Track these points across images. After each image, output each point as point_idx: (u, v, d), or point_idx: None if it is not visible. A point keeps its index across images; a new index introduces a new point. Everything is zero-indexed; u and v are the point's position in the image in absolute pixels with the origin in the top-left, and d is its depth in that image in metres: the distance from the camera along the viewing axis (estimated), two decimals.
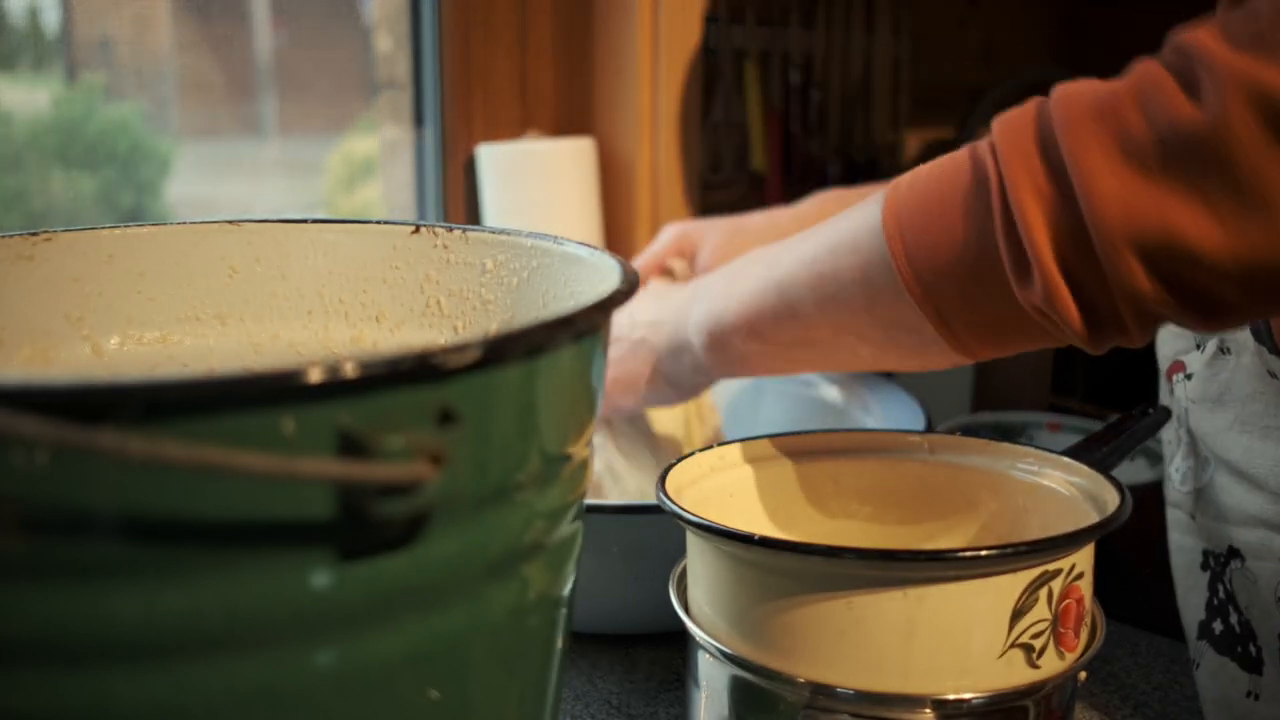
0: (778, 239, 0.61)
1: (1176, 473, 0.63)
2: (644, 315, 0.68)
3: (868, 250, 0.50)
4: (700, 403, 0.82)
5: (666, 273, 0.87)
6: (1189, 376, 0.61)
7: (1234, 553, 0.59)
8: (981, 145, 0.47)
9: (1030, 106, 0.46)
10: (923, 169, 0.50)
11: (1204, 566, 0.61)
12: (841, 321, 0.53)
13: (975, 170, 0.46)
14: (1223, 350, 0.58)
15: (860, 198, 0.59)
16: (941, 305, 0.48)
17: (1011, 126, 0.45)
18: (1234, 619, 0.59)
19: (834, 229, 0.54)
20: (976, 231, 0.46)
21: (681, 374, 0.66)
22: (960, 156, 0.48)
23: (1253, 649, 0.58)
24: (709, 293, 0.62)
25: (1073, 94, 0.44)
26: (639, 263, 0.87)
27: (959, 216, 0.47)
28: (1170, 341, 0.63)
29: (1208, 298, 0.42)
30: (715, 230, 0.87)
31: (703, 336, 0.62)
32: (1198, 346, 0.60)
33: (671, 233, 0.88)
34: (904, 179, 0.51)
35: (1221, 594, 0.60)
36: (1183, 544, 0.63)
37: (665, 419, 0.80)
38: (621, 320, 0.68)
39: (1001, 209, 0.45)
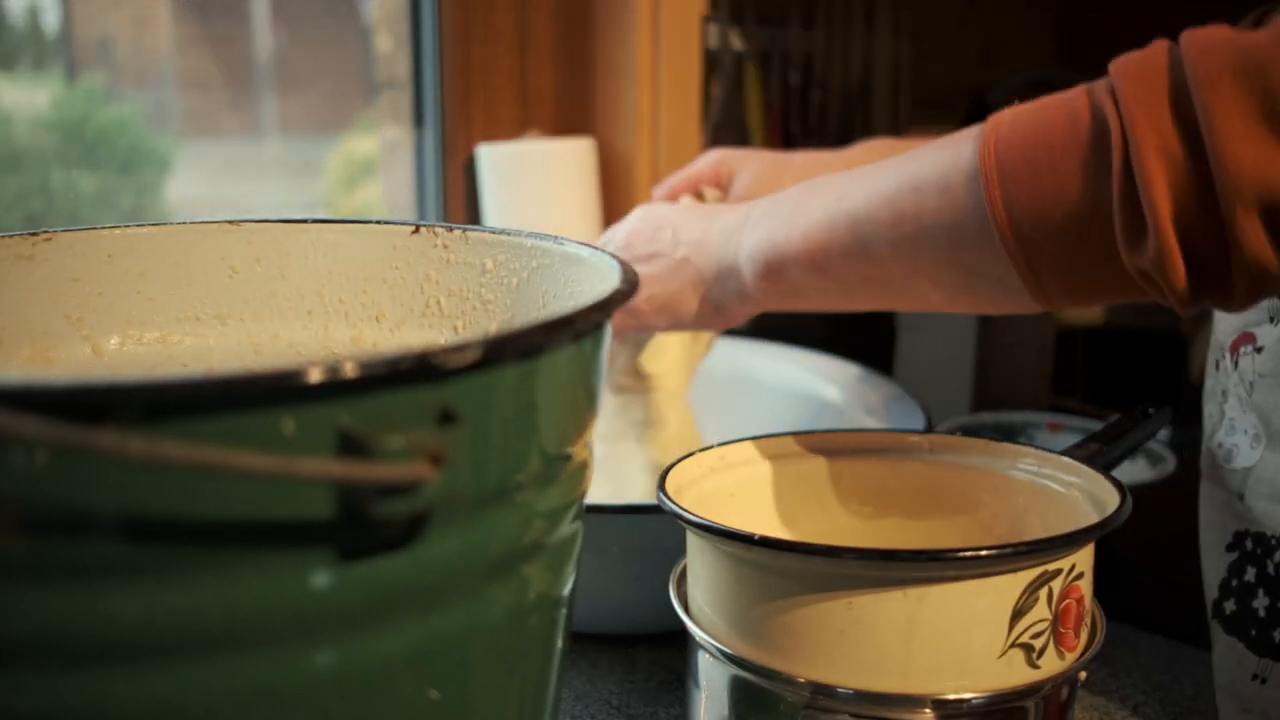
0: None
1: (1220, 449, 0.62)
2: (688, 234, 0.63)
3: (958, 192, 0.48)
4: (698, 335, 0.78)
5: (698, 197, 0.82)
6: (1259, 349, 0.59)
7: None
8: (1100, 91, 0.44)
9: (1159, 53, 0.43)
10: (1026, 109, 0.47)
11: (1230, 548, 0.60)
12: (918, 264, 0.50)
13: (1094, 121, 0.44)
14: None
15: (908, 148, 0.55)
16: (1035, 259, 0.46)
17: (1138, 75, 0.43)
18: (1260, 603, 0.58)
19: (918, 165, 0.50)
20: (1090, 188, 0.44)
21: (726, 299, 0.62)
22: (1074, 101, 0.45)
23: (1277, 635, 0.57)
24: (767, 218, 0.58)
25: (1209, 44, 0.41)
26: (674, 180, 0.82)
27: (1071, 169, 0.44)
28: (1237, 314, 0.61)
29: None
30: (757, 161, 0.81)
31: (757, 264, 0.58)
32: (1271, 319, 0.59)
33: (710, 158, 0.82)
34: (1004, 117, 0.47)
35: (1250, 576, 0.59)
36: (1214, 521, 0.62)
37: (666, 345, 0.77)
38: (664, 236, 0.64)
39: (1122, 168, 0.42)
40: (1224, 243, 0.42)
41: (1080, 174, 0.44)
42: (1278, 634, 0.57)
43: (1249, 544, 0.60)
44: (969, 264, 0.48)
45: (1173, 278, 0.43)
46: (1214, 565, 0.61)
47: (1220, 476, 0.62)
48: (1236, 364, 0.61)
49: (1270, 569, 0.58)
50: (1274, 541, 0.58)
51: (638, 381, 0.75)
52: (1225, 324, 0.62)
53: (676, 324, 0.65)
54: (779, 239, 0.56)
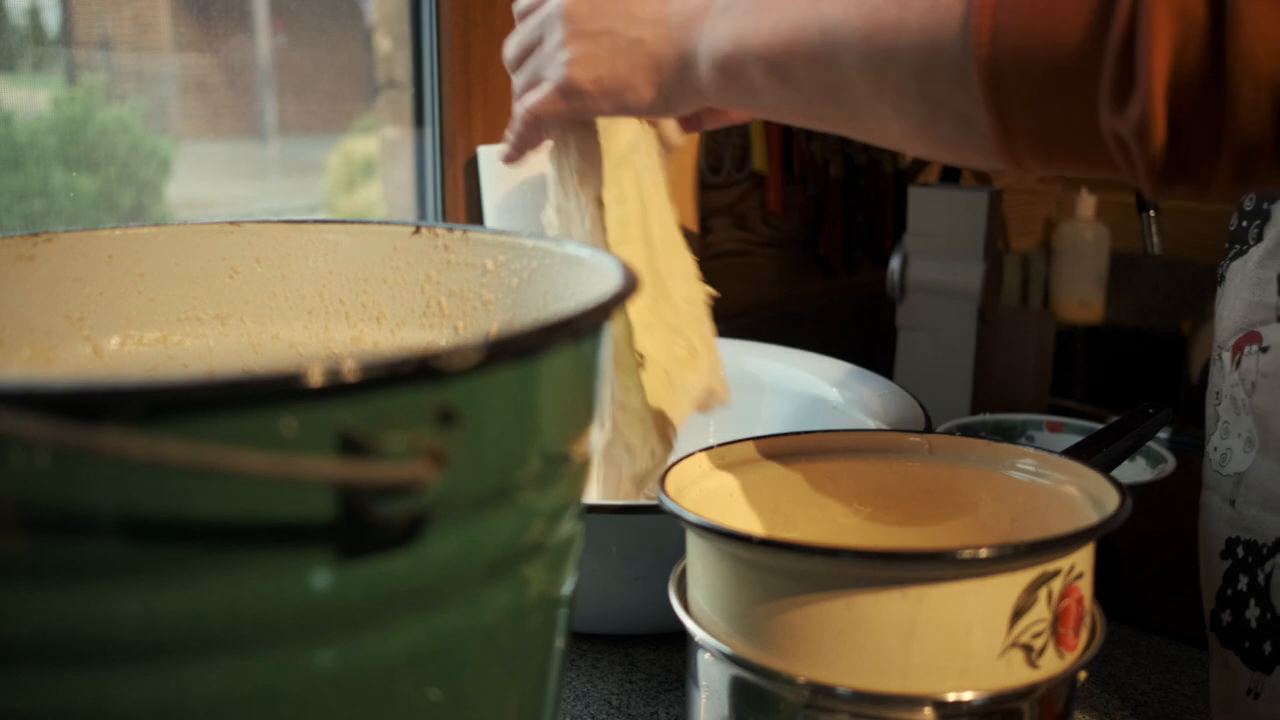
0: None
1: (1215, 453, 0.61)
2: (644, 10, 0.58)
3: (944, 12, 0.44)
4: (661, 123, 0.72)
5: None
6: (1265, 349, 0.58)
7: None
8: None
9: None
10: None
11: (1224, 555, 0.60)
12: (884, 85, 0.47)
13: None
14: None
15: None
16: (1008, 101, 0.43)
17: None
18: (1252, 613, 0.58)
19: None
20: (1086, 31, 0.41)
21: (676, 90, 0.58)
22: None
23: (1267, 647, 0.57)
24: (735, 7, 0.54)
25: None
26: None
27: (1073, 10, 0.41)
28: (1242, 312, 0.60)
29: None
30: None
31: (715, 55, 0.54)
32: (1279, 317, 0.58)
33: None
34: None
35: (1242, 585, 0.58)
36: (1210, 529, 0.61)
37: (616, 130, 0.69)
38: (616, 8, 0.59)
39: (1127, 18, 0.40)
40: (1219, 117, 0.39)
41: (1081, 15, 0.41)
42: (1268, 646, 0.57)
43: (1240, 551, 0.59)
44: (938, 95, 0.45)
45: (1150, 146, 0.40)
46: (1211, 575, 0.61)
47: (1215, 482, 0.61)
48: (1238, 364, 0.60)
49: (1260, 578, 0.58)
50: (1264, 550, 0.58)
51: (591, 169, 0.68)
52: (1227, 322, 0.61)
53: (622, 109, 0.60)
54: (745, 32, 0.52)
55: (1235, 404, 0.60)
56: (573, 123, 0.66)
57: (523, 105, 0.65)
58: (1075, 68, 0.41)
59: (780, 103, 0.53)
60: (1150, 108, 0.40)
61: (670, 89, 0.58)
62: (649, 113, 0.60)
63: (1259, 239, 0.60)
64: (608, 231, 0.67)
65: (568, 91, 0.60)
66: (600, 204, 0.66)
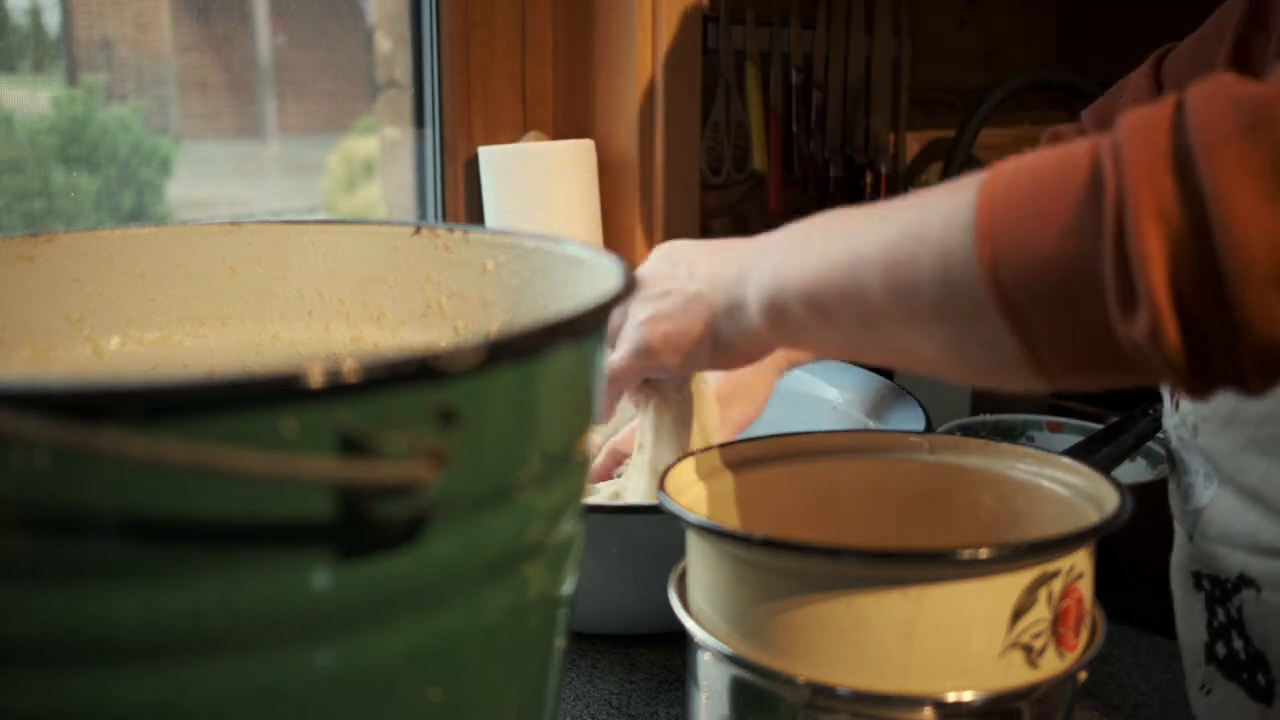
0: None
1: (1177, 489, 0.61)
2: (703, 268, 0.61)
3: (952, 246, 0.44)
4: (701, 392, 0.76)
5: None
6: None
7: (1246, 581, 0.57)
8: (1104, 146, 0.40)
9: (1166, 110, 0.39)
10: (1029, 158, 0.44)
11: (1198, 588, 0.60)
12: (911, 316, 0.47)
13: (1091, 176, 0.40)
14: None
15: None
16: (1027, 324, 0.42)
17: (1142, 131, 0.39)
18: (1238, 645, 0.58)
19: (922, 211, 0.47)
20: (1080, 251, 0.40)
21: (734, 336, 0.59)
22: (1076, 153, 0.42)
23: (1261, 679, 0.57)
24: (777, 250, 0.55)
25: (1214, 100, 0.38)
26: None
27: (1062, 228, 0.40)
28: None
29: None
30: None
31: (763, 298, 0.55)
32: None
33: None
34: (1005, 167, 0.44)
35: (1223, 618, 0.59)
36: (1178, 561, 0.62)
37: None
38: (680, 272, 0.62)
39: (1114, 230, 0.39)
40: (1230, 322, 0.38)
41: (1070, 234, 0.40)
42: (1261, 678, 0.57)
43: (1206, 584, 0.59)
44: (962, 322, 0.45)
45: (1170, 354, 0.39)
46: (1192, 606, 0.61)
47: (1180, 516, 0.61)
48: (1177, 406, 0.61)
49: (1233, 611, 0.58)
50: (1229, 584, 0.58)
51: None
52: None
53: (688, 362, 0.63)
54: (784, 271, 0.54)
55: (1184, 444, 0.60)
56: (655, 392, 0.70)
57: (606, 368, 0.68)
58: (1078, 285, 0.40)
59: (824, 337, 0.54)
60: (1158, 316, 0.38)
61: (726, 334, 0.60)
62: (707, 359, 0.62)
63: None
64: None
65: (639, 350, 0.63)
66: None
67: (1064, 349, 0.43)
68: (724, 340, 0.60)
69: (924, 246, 0.46)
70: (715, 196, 1.32)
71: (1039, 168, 0.43)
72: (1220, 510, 0.57)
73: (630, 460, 0.72)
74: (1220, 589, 0.58)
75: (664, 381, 0.69)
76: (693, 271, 0.62)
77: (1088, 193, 0.40)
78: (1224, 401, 0.56)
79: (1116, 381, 0.44)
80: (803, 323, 0.53)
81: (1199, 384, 0.40)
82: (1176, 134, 0.38)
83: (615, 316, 0.68)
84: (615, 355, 0.66)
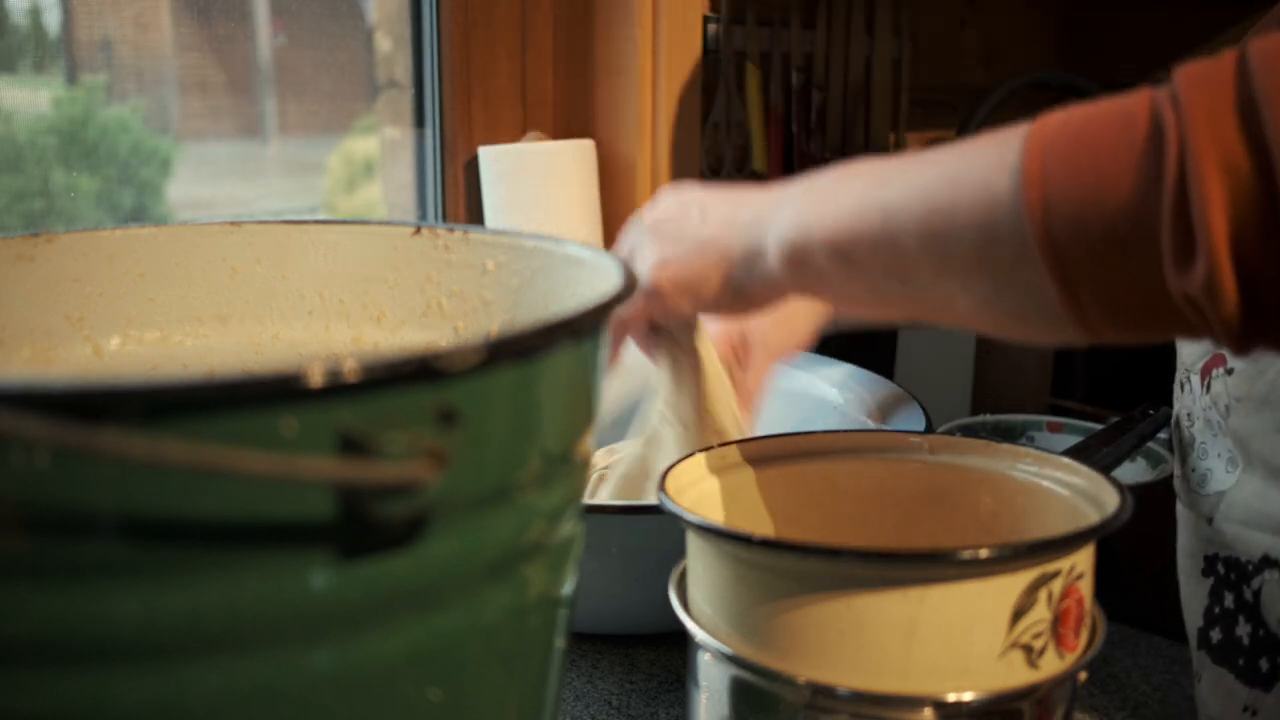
0: None
1: (1194, 474, 0.61)
2: (716, 213, 0.60)
3: (998, 191, 0.44)
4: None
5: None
6: (1229, 372, 0.58)
7: (1269, 562, 0.56)
8: (1161, 96, 0.40)
9: (1228, 61, 0.39)
10: (1079, 110, 0.43)
11: (1205, 573, 0.60)
12: (947, 264, 0.46)
13: (1151, 125, 0.40)
14: None
15: None
16: (1072, 272, 0.42)
17: (1204, 81, 0.39)
18: (1243, 630, 0.57)
19: (960, 157, 0.47)
20: (1137, 198, 0.40)
21: (750, 282, 0.58)
22: (1132, 104, 0.41)
23: (1265, 664, 0.56)
24: (801, 198, 0.54)
25: (1277, 54, 0.38)
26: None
27: (1119, 175, 0.40)
28: None
29: None
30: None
31: (784, 245, 0.54)
32: None
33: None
34: (1054, 117, 0.43)
35: (1229, 603, 0.58)
36: (1188, 547, 0.62)
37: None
38: (691, 215, 0.61)
39: (1175, 179, 0.39)
40: None
41: (1129, 181, 0.40)
42: (1264, 662, 0.56)
43: (1221, 568, 0.59)
44: (1002, 270, 0.45)
45: (1223, 307, 0.39)
46: (1195, 593, 0.61)
47: (1192, 500, 0.61)
48: (1208, 388, 0.60)
49: (1248, 594, 0.57)
50: (1249, 567, 0.57)
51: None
52: (1190, 345, 0.61)
53: (699, 305, 0.61)
54: (809, 220, 0.52)
55: (1211, 426, 0.60)
56: (666, 336, 0.67)
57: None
58: (1133, 233, 0.40)
59: (848, 288, 0.52)
60: (1216, 267, 0.38)
61: (741, 280, 0.58)
62: (723, 305, 0.61)
63: None
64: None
65: (649, 294, 0.62)
66: (695, 429, 0.68)
67: (1109, 300, 0.42)
68: (739, 287, 0.58)
69: (963, 193, 0.45)
70: None
71: (1091, 117, 0.42)
72: (1245, 493, 0.57)
73: (650, 417, 0.70)
74: (1238, 572, 0.58)
75: (672, 328, 0.67)
76: (705, 215, 0.60)
77: (1147, 142, 0.40)
78: (1260, 382, 0.56)
79: (1157, 335, 0.43)
80: (826, 272, 0.52)
81: (1246, 340, 0.40)
82: (1241, 85, 0.38)
83: (622, 247, 0.66)
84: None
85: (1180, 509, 0.62)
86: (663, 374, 0.68)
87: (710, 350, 0.70)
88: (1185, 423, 0.63)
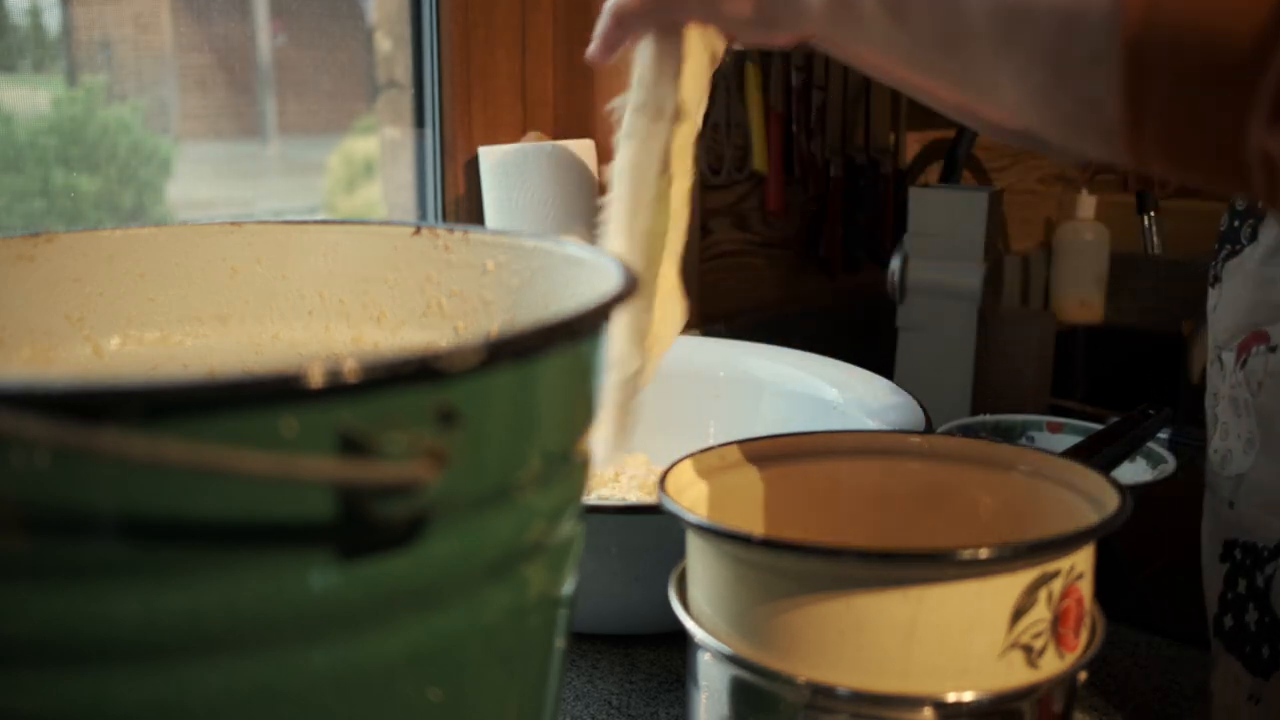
0: None
1: (1215, 455, 0.60)
2: None
3: None
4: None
5: None
6: (1273, 349, 0.56)
7: None
8: None
9: None
10: None
11: (1223, 558, 0.59)
12: (1011, 44, 0.41)
13: None
14: None
15: None
16: (1148, 91, 0.38)
17: None
18: (1251, 617, 0.57)
19: None
20: (1259, 40, 0.36)
21: (782, 13, 0.52)
22: None
23: (1267, 651, 0.56)
24: None
25: None
26: None
27: (1251, 10, 0.36)
28: (1244, 312, 0.58)
29: None
30: None
31: None
32: None
33: None
34: None
35: (1242, 589, 0.58)
36: (1210, 531, 0.61)
37: None
38: None
39: None
40: None
41: (1260, 16, 0.36)
42: (1266, 650, 0.56)
43: (1238, 554, 0.59)
44: (1070, 67, 0.40)
45: None
46: (1213, 578, 0.60)
47: (1215, 483, 0.61)
48: (1244, 364, 0.59)
49: (1259, 581, 0.57)
50: (1265, 553, 0.57)
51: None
52: (1227, 322, 0.61)
53: (714, 16, 0.55)
54: None
55: (1236, 405, 0.59)
56: (660, 29, 0.60)
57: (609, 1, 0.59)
58: (1234, 71, 0.36)
59: (889, 42, 0.47)
60: None
61: (773, 5, 0.52)
62: (740, 24, 0.54)
63: (1254, 238, 0.60)
64: (673, 153, 0.63)
65: None
66: (670, 120, 0.63)
67: (1174, 132, 0.39)
68: (769, 14, 0.52)
69: None
70: (715, 196, 1.32)
71: None
72: (1266, 474, 0.56)
73: (623, 125, 0.65)
74: (1254, 557, 0.57)
75: (674, 15, 0.59)
76: None
77: None
78: None
79: (1205, 182, 0.40)
80: (869, 19, 0.47)
81: None
82: None
83: None
84: None
85: (1206, 494, 0.62)
86: (647, 63, 0.63)
87: (701, 49, 0.62)
88: (1210, 402, 0.62)
